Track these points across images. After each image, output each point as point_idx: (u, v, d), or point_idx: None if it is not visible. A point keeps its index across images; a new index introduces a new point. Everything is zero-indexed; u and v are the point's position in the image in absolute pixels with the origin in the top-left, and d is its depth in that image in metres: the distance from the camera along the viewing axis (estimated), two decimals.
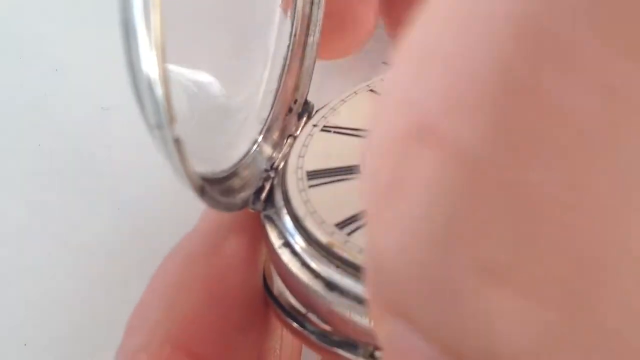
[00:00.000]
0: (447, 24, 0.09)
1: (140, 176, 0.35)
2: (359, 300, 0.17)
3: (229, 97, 0.23)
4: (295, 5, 0.24)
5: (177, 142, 0.16)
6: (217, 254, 0.21)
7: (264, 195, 0.22)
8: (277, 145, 0.24)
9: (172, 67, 0.15)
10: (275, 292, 0.21)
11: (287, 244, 0.20)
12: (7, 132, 0.36)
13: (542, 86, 0.08)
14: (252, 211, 0.22)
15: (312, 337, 0.19)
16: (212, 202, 0.19)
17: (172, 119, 0.15)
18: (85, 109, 0.36)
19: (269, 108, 0.24)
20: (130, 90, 0.15)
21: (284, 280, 0.20)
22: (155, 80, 0.15)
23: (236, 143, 0.23)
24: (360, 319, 0.17)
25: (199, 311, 0.20)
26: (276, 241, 0.20)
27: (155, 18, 0.14)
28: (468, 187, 0.08)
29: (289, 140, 0.24)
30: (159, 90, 0.15)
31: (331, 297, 0.18)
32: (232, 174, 0.21)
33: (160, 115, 0.15)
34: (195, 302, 0.20)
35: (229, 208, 0.20)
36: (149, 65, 0.14)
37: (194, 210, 0.22)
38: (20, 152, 0.36)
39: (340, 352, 0.18)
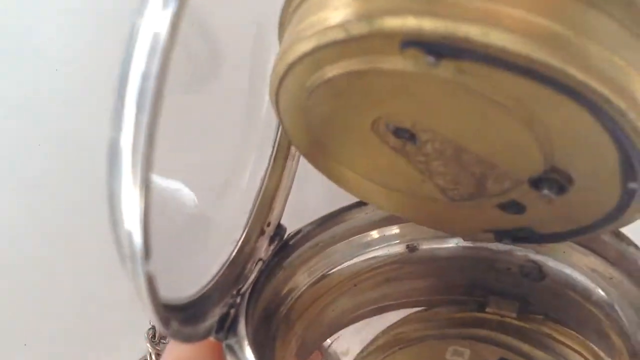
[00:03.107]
0: None
1: None
2: None
3: (202, 215, 0.23)
4: (278, 132, 0.24)
5: (149, 277, 0.15)
6: None
7: (227, 323, 0.21)
8: (244, 269, 0.23)
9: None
10: None
11: None
12: (7, 132, 0.36)
13: None
14: (215, 341, 0.21)
15: None
16: (175, 333, 0.18)
17: (147, 254, 0.15)
18: (85, 109, 0.36)
19: (242, 229, 0.23)
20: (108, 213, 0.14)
21: None
22: (135, 218, 0.14)
23: (205, 266, 0.22)
24: None
25: None
26: None
27: (145, 160, 0.13)
28: None
29: (258, 265, 0.23)
30: (138, 231, 0.14)
31: None
32: (199, 299, 0.21)
33: (135, 250, 0.14)
34: None
35: (191, 338, 0.20)
36: (131, 202, 0.14)
37: None
38: (20, 152, 0.36)
39: None
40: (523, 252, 0.25)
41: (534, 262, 0.25)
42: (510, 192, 0.19)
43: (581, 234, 0.20)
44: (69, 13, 0.33)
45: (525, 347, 0.25)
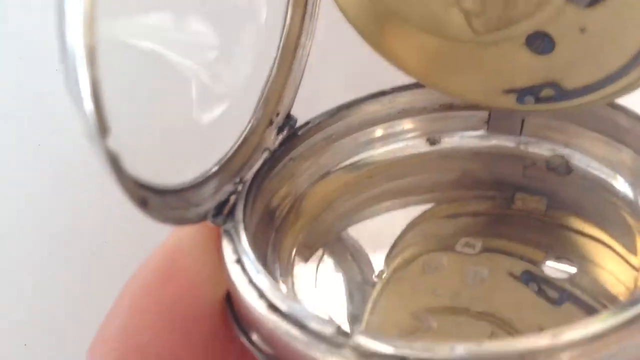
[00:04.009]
0: None
1: None
2: (300, 325, 0.16)
3: (206, 99, 0.22)
4: (286, 13, 0.23)
5: (111, 155, 0.14)
6: (176, 274, 0.20)
7: (226, 209, 0.21)
8: (250, 158, 0.22)
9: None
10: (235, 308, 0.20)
11: (239, 261, 0.19)
12: (7, 132, 0.36)
13: None
14: (212, 225, 0.20)
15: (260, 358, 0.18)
16: (157, 215, 0.18)
17: (104, 130, 0.14)
18: None
19: (249, 118, 0.22)
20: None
21: (234, 299, 0.19)
22: (86, 89, 0.13)
23: (205, 153, 0.22)
24: (302, 345, 0.16)
25: (154, 334, 0.19)
26: (229, 257, 0.19)
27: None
28: None
29: (264, 154, 0.22)
30: (89, 104, 0.14)
31: (273, 320, 0.17)
32: (195, 185, 0.20)
33: (91, 126, 0.14)
34: (150, 325, 0.19)
35: (180, 222, 0.19)
36: (83, 78, 0.13)
37: None
38: (20, 152, 0.36)
39: None
40: (550, 145, 0.24)
41: (560, 156, 0.24)
42: (540, 13, 0.18)
43: (608, 83, 0.19)
44: None
45: (549, 244, 0.23)
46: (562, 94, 0.20)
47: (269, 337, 0.17)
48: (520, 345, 0.14)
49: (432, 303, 0.22)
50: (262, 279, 0.18)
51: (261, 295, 0.18)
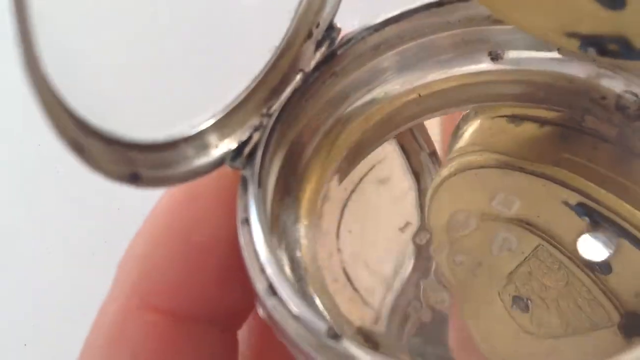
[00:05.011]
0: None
1: None
2: (295, 317, 0.16)
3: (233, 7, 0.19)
4: None
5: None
6: (193, 203, 0.19)
7: (247, 149, 0.18)
8: (281, 82, 0.19)
9: None
10: None
11: (246, 222, 0.17)
12: (7, 132, 0.36)
13: None
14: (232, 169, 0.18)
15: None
16: (149, 181, 0.16)
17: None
18: None
19: (284, 31, 0.19)
20: None
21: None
22: None
23: (228, 82, 0.19)
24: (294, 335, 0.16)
25: (168, 262, 0.19)
26: (239, 213, 0.18)
27: None
28: None
29: (296, 78, 0.19)
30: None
31: (271, 301, 0.16)
32: (217, 124, 0.18)
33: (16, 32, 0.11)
34: (166, 253, 0.19)
35: (197, 173, 0.17)
36: None
37: None
38: (20, 152, 0.36)
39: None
40: (625, 80, 0.21)
41: (634, 94, 0.20)
42: None
43: None
44: None
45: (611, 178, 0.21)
46: (630, 52, 0.18)
47: (266, 312, 0.17)
48: None
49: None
50: (266, 254, 0.17)
51: (262, 271, 0.17)
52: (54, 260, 0.36)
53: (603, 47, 0.18)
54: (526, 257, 0.20)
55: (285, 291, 0.16)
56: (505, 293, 0.20)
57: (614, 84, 0.21)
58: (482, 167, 0.21)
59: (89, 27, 0.16)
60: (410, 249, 0.20)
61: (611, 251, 0.19)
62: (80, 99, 0.14)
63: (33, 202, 0.37)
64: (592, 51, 0.19)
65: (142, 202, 0.36)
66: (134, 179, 0.16)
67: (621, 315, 0.18)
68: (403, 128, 0.22)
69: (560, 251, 0.20)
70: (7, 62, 0.37)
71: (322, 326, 0.16)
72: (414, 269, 0.20)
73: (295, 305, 0.16)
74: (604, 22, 0.17)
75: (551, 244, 0.20)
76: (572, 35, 0.18)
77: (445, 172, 0.21)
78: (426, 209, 0.21)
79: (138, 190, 0.35)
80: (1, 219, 0.37)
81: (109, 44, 0.17)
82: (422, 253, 0.20)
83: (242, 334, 0.21)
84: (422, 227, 0.21)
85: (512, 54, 0.22)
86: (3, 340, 0.36)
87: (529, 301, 0.19)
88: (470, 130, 0.22)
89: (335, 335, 0.15)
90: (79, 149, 0.15)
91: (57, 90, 0.13)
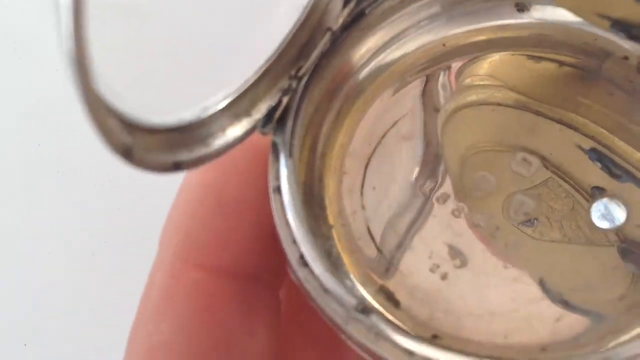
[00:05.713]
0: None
1: (141, 177, 0.35)
2: (325, 289, 0.16)
3: None
4: None
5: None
6: (223, 164, 0.19)
7: (277, 113, 0.18)
8: (308, 43, 0.18)
9: None
10: None
11: (278, 190, 0.17)
12: (7, 132, 0.36)
13: None
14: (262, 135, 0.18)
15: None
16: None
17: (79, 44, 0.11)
18: None
19: None
20: None
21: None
22: None
23: (258, 43, 0.18)
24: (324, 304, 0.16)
25: (204, 222, 0.19)
26: (271, 181, 0.18)
27: None
28: None
29: (325, 37, 0.19)
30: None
31: (303, 272, 0.17)
32: (249, 89, 0.17)
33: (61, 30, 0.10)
34: (201, 213, 0.19)
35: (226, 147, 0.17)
36: None
37: None
38: (20, 152, 0.36)
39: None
40: None
41: None
42: None
43: None
44: None
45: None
46: None
47: (298, 281, 0.17)
48: None
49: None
50: (297, 224, 0.17)
51: (294, 241, 0.17)
52: (54, 260, 0.36)
53: (631, 33, 0.18)
54: (535, 186, 0.20)
55: (316, 264, 0.17)
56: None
57: (638, 47, 0.21)
58: (499, 104, 0.21)
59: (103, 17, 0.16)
60: (430, 206, 0.21)
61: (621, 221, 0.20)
62: (116, 95, 0.14)
63: (33, 202, 0.37)
64: (622, 35, 0.19)
65: (142, 202, 0.36)
66: (177, 167, 0.16)
67: (620, 241, 0.19)
68: (429, 71, 0.22)
69: (570, 185, 0.20)
70: (7, 62, 0.37)
71: (351, 301, 0.16)
72: (433, 226, 0.20)
73: (325, 279, 0.16)
74: (634, 12, 0.18)
75: (563, 178, 0.20)
76: (603, 16, 0.19)
77: (461, 99, 0.21)
78: (439, 131, 0.21)
79: (140, 193, 0.35)
80: (1, 219, 0.37)
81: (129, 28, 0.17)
82: (440, 210, 0.21)
83: (282, 293, 0.21)
84: (441, 184, 0.21)
85: (538, 8, 0.22)
86: (3, 340, 0.36)
87: (536, 220, 0.20)
88: (489, 59, 0.22)
89: (364, 310, 0.16)
90: (126, 152, 0.14)
91: (101, 92, 0.13)
